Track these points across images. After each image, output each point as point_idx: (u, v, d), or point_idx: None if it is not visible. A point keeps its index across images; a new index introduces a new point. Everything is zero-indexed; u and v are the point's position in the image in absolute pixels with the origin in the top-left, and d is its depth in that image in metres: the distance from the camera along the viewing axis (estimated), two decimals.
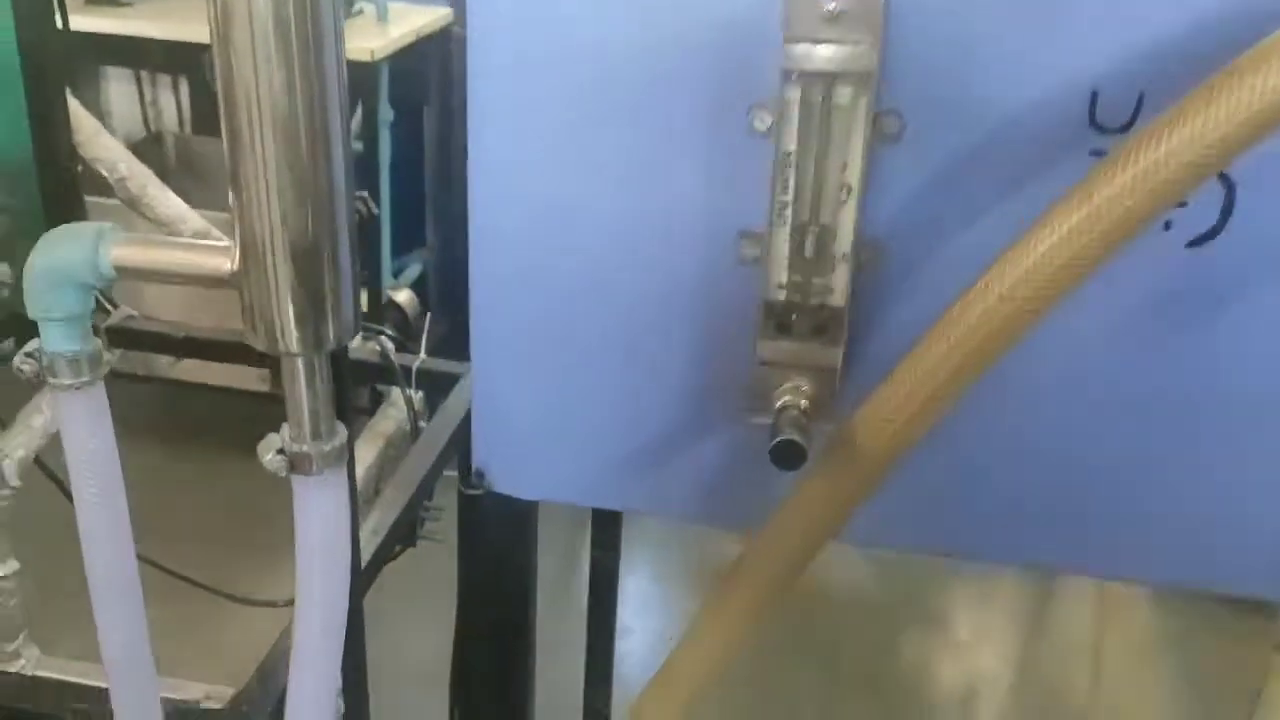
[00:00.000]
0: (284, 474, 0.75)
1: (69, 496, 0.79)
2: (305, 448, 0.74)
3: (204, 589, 1.80)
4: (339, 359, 0.76)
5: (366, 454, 1.40)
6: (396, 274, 3.19)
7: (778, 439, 0.63)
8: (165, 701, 1.82)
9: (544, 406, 0.81)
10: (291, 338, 0.70)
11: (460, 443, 1.48)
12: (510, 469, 0.83)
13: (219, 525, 1.59)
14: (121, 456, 0.79)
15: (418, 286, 3.22)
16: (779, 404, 0.68)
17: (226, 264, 0.70)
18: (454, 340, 0.96)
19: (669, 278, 0.75)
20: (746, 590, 0.75)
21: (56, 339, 0.74)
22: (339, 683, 0.84)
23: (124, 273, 0.72)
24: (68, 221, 0.75)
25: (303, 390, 0.73)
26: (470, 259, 0.80)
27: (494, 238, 0.78)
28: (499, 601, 0.91)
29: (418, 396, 1.46)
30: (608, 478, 0.82)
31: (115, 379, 0.77)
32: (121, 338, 1.58)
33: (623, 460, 0.80)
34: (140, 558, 1.88)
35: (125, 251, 0.71)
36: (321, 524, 0.76)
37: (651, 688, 0.83)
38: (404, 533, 1.34)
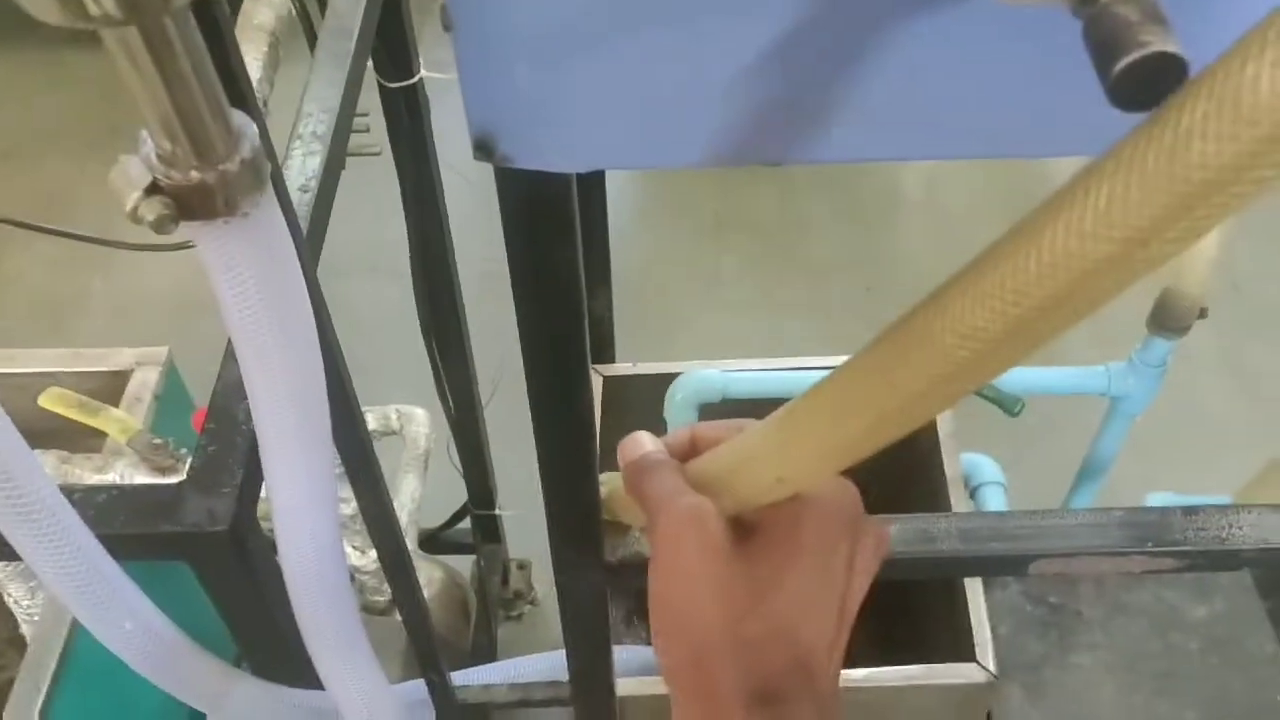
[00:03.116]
0: (170, 228, 0.40)
1: None
2: (195, 172, 0.39)
3: (88, 240, 1.47)
4: None
5: (248, 66, 1.01)
6: None
7: (1140, 54, 0.27)
8: (99, 375, 1.55)
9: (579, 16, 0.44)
10: None
11: (385, 25, 1.07)
12: (533, 131, 0.46)
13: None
14: None
15: None
16: None
17: None
18: None
19: None
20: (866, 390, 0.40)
21: None
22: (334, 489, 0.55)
23: None
24: None
25: (154, 72, 0.37)
26: None
27: None
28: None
29: None
30: (692, 128, 0.46)
31: None
32: None
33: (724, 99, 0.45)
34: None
35: None
36: (260, 292, 0.43)
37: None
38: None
